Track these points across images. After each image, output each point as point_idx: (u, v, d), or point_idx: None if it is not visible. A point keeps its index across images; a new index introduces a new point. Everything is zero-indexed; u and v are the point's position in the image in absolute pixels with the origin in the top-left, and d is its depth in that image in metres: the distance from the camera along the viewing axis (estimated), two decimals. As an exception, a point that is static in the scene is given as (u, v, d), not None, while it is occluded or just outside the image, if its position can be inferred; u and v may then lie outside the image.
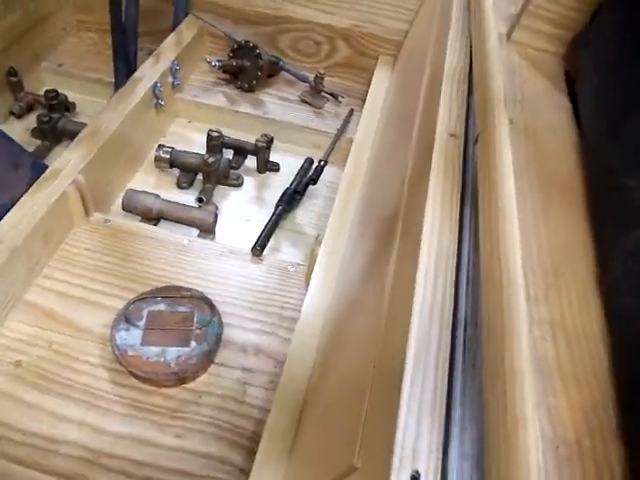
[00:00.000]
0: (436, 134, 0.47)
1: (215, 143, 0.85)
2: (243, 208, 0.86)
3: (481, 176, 0.39)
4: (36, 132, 0.87)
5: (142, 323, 0.65)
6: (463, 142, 0.48)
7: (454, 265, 0.37)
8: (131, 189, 0.81)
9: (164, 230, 0.79)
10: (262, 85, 0.98)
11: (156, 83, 0.87)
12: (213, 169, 0.84)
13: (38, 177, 0.71)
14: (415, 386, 0.31)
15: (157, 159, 0.86)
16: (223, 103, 0.96)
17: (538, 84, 0.46)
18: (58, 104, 0.88)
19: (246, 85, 0.97)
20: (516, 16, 0.49)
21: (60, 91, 0.92)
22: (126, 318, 0.64)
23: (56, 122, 0.85)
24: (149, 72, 0.88)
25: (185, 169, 0.87)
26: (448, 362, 0.32)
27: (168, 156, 0.86)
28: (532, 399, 0.25)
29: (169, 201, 0.81)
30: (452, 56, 0.58)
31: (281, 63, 0.96)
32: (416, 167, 0.50)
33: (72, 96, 0.95)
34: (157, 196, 0.80)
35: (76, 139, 0.77)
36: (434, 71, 0.59)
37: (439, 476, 0.29)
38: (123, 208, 0.80)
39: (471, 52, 0.56)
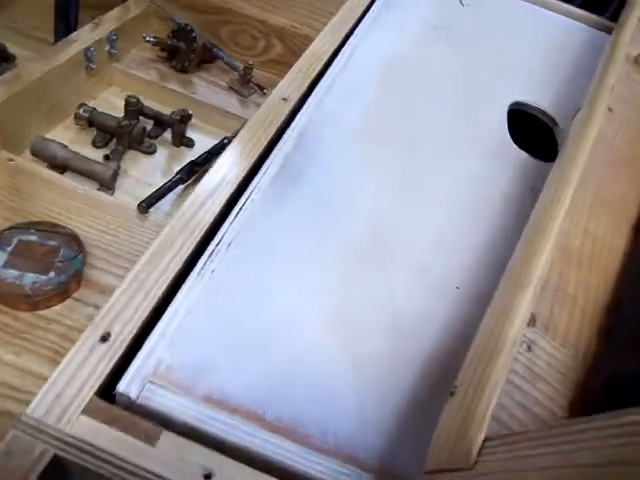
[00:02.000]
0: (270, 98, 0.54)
1: (132, 108, 0.92)
2: (149, 174, 0.93)
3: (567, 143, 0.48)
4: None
5: (9, 249, 0.70)
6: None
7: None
8: (41, 136, 0.87)
9: (63, 177, 0.85)
10: (195, 68, 1.06)
11: (89, 47, 0.94)
12: (126, 132, 0.91)
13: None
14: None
15: (76, 116, 0.93)
16: (155, 78, 1.04)
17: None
18: (-5, 52, 0.94)
19: (180, 65, 1.04)
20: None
21: (9, 47, 0.99)
22: (-4, 241, 0.70)
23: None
24: (85, 36, 0.96)
25: (102, 130, 0.94)
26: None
27: (87, 115, 0.93)
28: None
29: (74, 152, 0.87)
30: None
31: (215, 50, 1.04)
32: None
33: (19, 52, 1.02)
34: (64, 146, 0.87)
35: (-3, 79, 0.83)
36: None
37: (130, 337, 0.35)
38: (31, 153, 0.86)
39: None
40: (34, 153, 0.86)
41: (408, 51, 0.68)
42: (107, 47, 1.00)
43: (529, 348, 0.34)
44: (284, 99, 0.56)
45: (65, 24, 0.95)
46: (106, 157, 0.90)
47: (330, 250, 0.44)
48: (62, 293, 0.70)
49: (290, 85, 0.58)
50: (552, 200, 0.42)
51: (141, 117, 0.96)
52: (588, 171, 0.44)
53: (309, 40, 1.05)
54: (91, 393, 0.32)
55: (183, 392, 0.34)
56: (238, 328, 0.37)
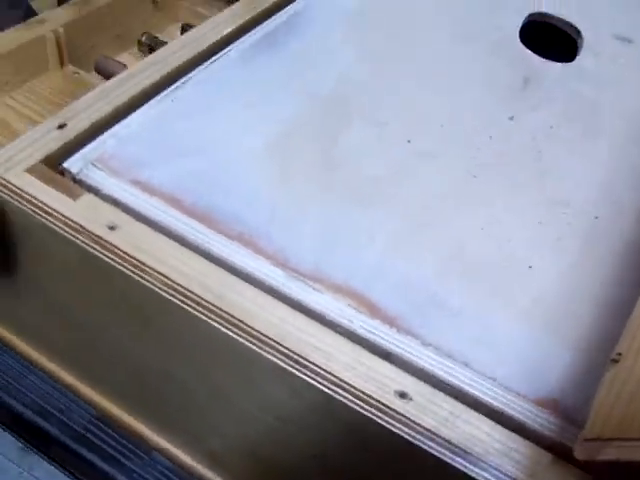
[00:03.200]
0: None
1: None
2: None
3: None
4: None
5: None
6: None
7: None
8: (105, 56, 0.98)
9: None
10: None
11: (157, -20, 1.04)
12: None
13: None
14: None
15: (139, 43, 1.03)
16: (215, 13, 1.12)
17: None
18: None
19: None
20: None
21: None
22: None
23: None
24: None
25: (162, 57, 1.03)
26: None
27: (149, 42, 1.02)
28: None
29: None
30: None
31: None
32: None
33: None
34: (124, 65, 0.97)
35: (71, 1, 0.95)
36: None
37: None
38: (95, 69, 0.97)
39: None
40: (97, 69, 0.97)
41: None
42: (174, -15, 1.09)
43: None
44: (287, -15, 0.60)
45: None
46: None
47: (286, 99, 0.48)
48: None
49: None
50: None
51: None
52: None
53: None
54: (38, 158, 0.38)
55: (116, 176, 0.39)
56: (178, 140, 0.42)
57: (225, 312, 0.33)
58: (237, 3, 0.59)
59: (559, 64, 0.60)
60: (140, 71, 0.47)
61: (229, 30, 0.54)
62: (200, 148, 0.42)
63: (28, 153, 0.38)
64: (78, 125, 0.41)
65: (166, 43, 1.03)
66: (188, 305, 0.33)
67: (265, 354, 0.33)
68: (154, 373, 0.40)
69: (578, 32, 0.66)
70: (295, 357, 0.33)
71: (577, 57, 0.62)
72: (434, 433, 0.31)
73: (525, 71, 0.58)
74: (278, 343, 0.33)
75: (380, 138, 0.47)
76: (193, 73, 0.49)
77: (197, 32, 0.54)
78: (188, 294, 0.34)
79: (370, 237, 0.40)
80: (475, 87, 0.55)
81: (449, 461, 0.30)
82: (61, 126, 0.41)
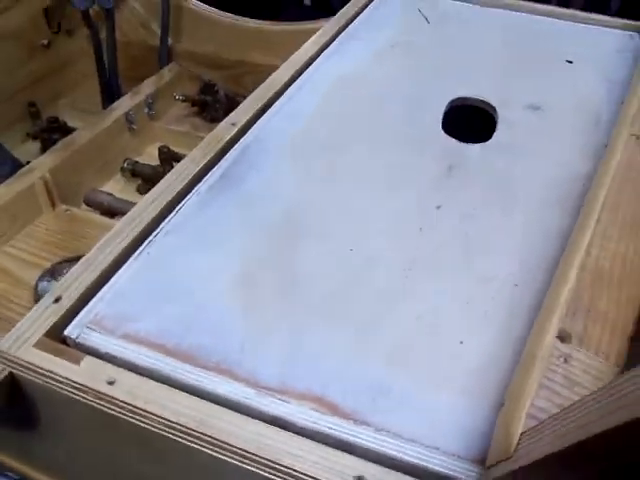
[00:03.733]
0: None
1: (164, 156, 1.12)
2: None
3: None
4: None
5: (60, 278, 0.90)
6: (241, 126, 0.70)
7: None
8: (93, 188, 1.10)
9: (112, 220, 1.06)
10: (223, 117, 1.25)
11: (129, 111, 1.17)
12: (162, 177, 1.11)
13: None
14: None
15: (121, 169, 1.15)
16: (190, 130, 1.25)
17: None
18: (57, 127, 1.20)
19: (209, 116, 1.25)
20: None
21: (68, 122, 1.25)
22: (50, 273, 0.91)
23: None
24: (125, 102, 1.19)
25: (144, 178, 1.15)
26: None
27: (130, 167, 1.14)
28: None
29: (121, 199, 1.08)
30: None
31: (237, 98, 1.23)
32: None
33: (78, 125, 1.28)
34: (111, 194, 1.08)
35: (53, 147, 1.07)
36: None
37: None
38: (84, 203, 1.09)
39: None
40: (87, 203, 1.08)
41: (360, 69, 0.82)
42: (145, 110, 1.22)
43: (565, 360, 0.45)
44: (233, 124, 0.71)
45: (109, 96, 1.19)
46: (145, 200, 1.10)
47: (244, 235, 0.58)
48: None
49: (240, 112, 0.73)
50: (581, 227, 0.55)
51: (175, 162, 1.16)
52: (617, 197, 0.58)
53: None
54: (42, 333, 0.47)
55: (109, 333, 0.48)
56: (156, 292, 0.52)
57: (209, 437, 0.42)
58: (197, 148, 0.69)
59: (478, 145, 0.70)
60: (117, 234, 0.57)
61: (190, 177, 0.64)
62: (176, 295, 0.52)
63: (33, 330, 0.48)
64: (71, 295, 0.51)
65: (147, 165, 1.15)
66: (178, 436, 0.42)
67: (246, 466, 0.41)
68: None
69: (494, 108, 0.76)
70: (271, 464, 0.41)
71: (495, 133, 0.72)
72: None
73: (449, 159, 0.68)
74: (255, 455, 0.41)
75: (329, 252, 0.56)
76: (163, 224, 0.58)
77: (163, 184, 0.64)
78: (177, 427, 0.43)
79: (326, 347, 0.49)
80: (406, 185, 0.64)
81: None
82: (57, 300, 0.50)
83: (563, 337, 0.47)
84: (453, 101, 0.77)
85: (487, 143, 0.70)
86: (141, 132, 1.22)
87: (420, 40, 0.88)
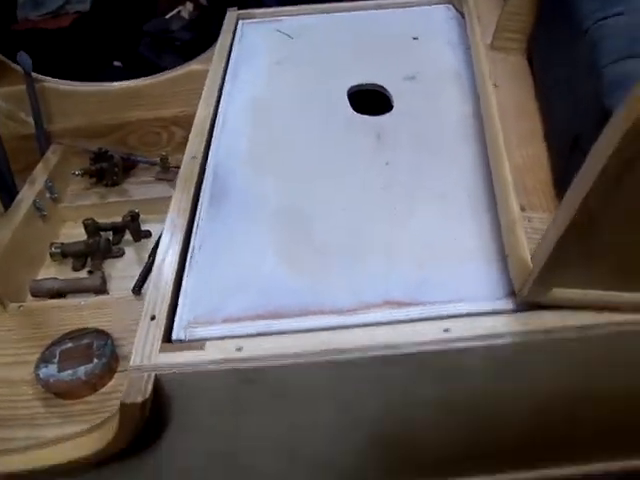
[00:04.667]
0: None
1: (90, 229, 1.20)
2: (128, 269, 1.20)
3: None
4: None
5: (56, 360, 0.96)
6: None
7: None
8: (34, 279, 1.15)
9: (66, 300, 1.12)
10: (123, 178, 1.35)
11: (35, 200, 1.22)
12: (95, 249, 1.19)
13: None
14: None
15: (51, 255, 1.21)
16: (97, 200, 1.33)
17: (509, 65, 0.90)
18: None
19: (110, 181, 1.34)
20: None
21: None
22: (44, 360, 0.96)
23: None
24: (27, 194, 1.24)
25: (76, 255, 1.22)
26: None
27: (59, 250, 1.20)
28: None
29: (64, 279, 1.14)
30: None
31: (131, 157, 1.34)
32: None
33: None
34: (55, 278, 1.14)
35: (-20, 253, 1.11)
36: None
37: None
38: (32, 295, 1.13)
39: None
40: (34, 294, 1.13)
41: (264, 88, 0.99)
42: (48, 194, 1.28)
43: (529, 220, 0.67)
44: (194, 157, 0.85)
45: (8, 195, 1.24)
46: (89, 272, 1.17)
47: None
48: (109, 371, 0.95)
49: (192, 147, 0.87)
50: (493, 141, 0.77)
51: (101, 232, 1.24)
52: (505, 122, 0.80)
53: (197, 116, 1.37)
54: (159, 342, 0.59)
55: (210, 324, 0.61)
56: (223, 285, 0.65)
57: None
58: (179, 180, 0.82)
59: (387, 115, 0.91)
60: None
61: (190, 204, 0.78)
62: (238, 282, 0.66)
63: (150, 343, 0.59)
64: (161, 310, 0.62)
65: (75, 242, 1.22)
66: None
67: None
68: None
69: (382, 86, 0.97)
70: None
71: (394, 104, 0.94)
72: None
73: (373, 130, 0.88)
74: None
75: (328, 215, 0.74)
76: (192, 241, 0.72)
77: (174, 211, 0.76)
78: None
79: (367, 270, 0.66)
80: (357, 155, 0.84)
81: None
82: (153, 317, 0.61)
83: (523, 207, 0.68)
84: (350, 89, 0.97)
85: (392, 112, 0.92)
86: (52, 216, 1.28)
87: (296, 52, 1.08)
